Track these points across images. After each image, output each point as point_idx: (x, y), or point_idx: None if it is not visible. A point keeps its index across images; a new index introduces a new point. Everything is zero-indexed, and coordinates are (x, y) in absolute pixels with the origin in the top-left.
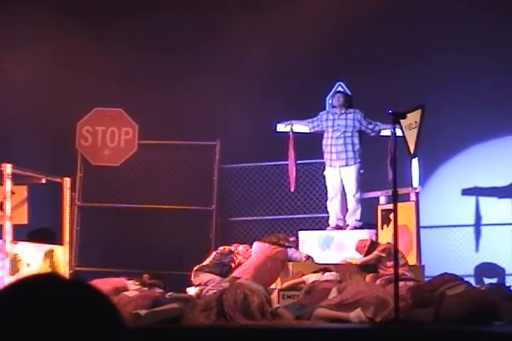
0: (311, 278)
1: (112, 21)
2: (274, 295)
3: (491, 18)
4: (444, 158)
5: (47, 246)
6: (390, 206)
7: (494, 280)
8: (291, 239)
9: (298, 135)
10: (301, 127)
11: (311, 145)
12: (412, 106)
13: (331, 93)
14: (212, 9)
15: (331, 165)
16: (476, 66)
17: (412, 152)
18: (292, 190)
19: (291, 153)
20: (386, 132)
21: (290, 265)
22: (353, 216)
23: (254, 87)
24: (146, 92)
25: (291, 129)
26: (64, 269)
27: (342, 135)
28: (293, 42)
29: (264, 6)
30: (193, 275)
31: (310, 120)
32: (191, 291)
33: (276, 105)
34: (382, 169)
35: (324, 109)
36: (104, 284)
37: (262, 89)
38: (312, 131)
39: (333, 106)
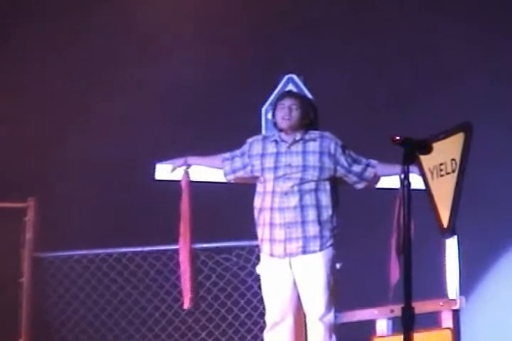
0: None
1: None
2: None
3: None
4: (509, 240)
5: None
6: (399, 338)
7: None
8: None
9: (200, 186)
10: (206, 171)
11: (228, 209)
12: (444, 127)
13: (274, 97)
14: None
15: (272, 254)
16: None
17: (446, 225)
18: (186, 306)
19: (185, 227)
20: (389, 181)
21: None
22: None
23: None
24: None
25: (187, 175)
26: None
27: (296, 188)
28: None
29: None
30: None
31: (227, 155)
32: None
33: (155, 129)
34: (383, 261)
35: (259, 133)
36: None
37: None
38: (232, 178)
39: (278, 128)
